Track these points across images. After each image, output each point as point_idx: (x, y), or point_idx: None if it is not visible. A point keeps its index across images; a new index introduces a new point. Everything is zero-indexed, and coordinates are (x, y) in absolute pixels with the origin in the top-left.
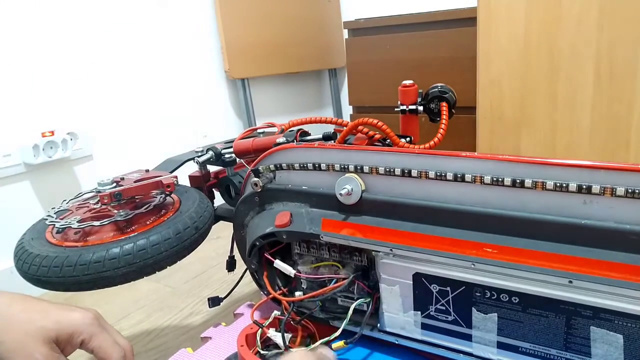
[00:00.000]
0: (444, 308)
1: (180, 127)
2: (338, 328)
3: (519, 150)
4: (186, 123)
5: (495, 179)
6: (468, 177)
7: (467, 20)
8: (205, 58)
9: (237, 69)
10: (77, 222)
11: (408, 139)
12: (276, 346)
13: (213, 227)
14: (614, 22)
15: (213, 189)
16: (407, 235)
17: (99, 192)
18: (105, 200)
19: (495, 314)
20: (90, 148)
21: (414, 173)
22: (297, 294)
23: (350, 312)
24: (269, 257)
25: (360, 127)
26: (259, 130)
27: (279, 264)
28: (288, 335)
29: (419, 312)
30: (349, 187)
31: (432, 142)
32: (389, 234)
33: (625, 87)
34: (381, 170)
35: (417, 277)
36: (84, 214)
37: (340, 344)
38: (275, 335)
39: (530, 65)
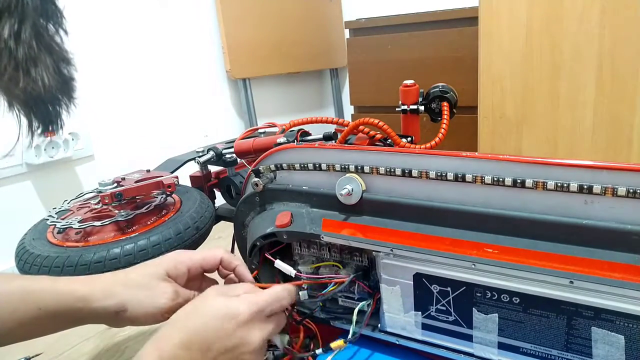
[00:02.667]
0: (444, 308)
1: (181, 127)
2: (339, 328)
3: (520, 150)
4: (187, 123)
5: (496, 179)
6: (469, 177)
7: (468, 19)
8: (206, 58)
9: (239, 69)
10: (78, 222)
11: (409, 138)
12: (276, 346)
13: (214, 227)
14: (616, 22)
15: (214, 189)
16: (407, 235)
17: (100, 192)
18: (106, 201)
19: (496, 314)
20: (91, 148)
21: (415, 173)
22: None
23: (355, 316)
24: (270, 257)
25: (361, 127)
26: (259, 130)
27: (279, 264)
28: (285, 337)
29: (420, 313)
30: (349, 187)
31: (433, 142)
32: (390, 234)
33: (627, 87)
34: (382, 170)
35: (418, 278)
36: (85, 214)
37: (340, 342)
38: (275, 337)
39: (532, 64)
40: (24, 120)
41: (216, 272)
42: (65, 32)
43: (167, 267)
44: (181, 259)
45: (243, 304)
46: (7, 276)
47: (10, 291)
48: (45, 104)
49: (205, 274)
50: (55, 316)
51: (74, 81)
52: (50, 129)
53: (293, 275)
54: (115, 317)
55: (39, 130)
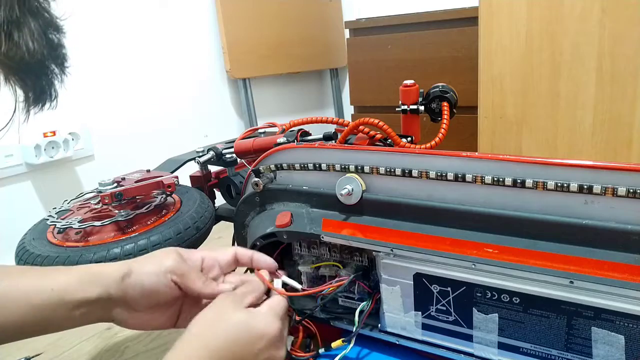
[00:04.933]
0: (444, 308)
1: (181, 127)
2: (339, 328)
3: (520, 150)
4: (187, 123)
5: (496, 179)
6: (469, 177)
7: (468, 19)
8: (206, 58)
9: (239, 69)
10: (78, 222)
11: (409, 138)
12: None
13: (214, 227)
14: (616, 21)
15: (214, 189)
16: (407, 235)
17: (100, 192)
18: (106, 201)
19: (496, 314)
20: (91, 148)
21: (415, 173)
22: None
23: (357, 317)
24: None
25: (361, 127)
26: (259, 130)
27: (285, 279)
28: (290, 338)
29: (420, 313)
30: (349, 187)
31: (433, 142)
32: (390, 234)
33: (628, 86)
34: (382, 170)
35: (418, 278)
36: (85, 214)
37: (338, 342)
38: None
39: (532, 64)
40: (20, 93)
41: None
42: None
43: (177, 249)
44: (195, 251)
45: (271, 324)
46: (21, 268)
47: (22, 280)
48: (34, 73)
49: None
50: (65, 298)
51: (62, 48)
52: (43, 99)
53: (300, 290)
54: (122, 285)
55: (33, 102)
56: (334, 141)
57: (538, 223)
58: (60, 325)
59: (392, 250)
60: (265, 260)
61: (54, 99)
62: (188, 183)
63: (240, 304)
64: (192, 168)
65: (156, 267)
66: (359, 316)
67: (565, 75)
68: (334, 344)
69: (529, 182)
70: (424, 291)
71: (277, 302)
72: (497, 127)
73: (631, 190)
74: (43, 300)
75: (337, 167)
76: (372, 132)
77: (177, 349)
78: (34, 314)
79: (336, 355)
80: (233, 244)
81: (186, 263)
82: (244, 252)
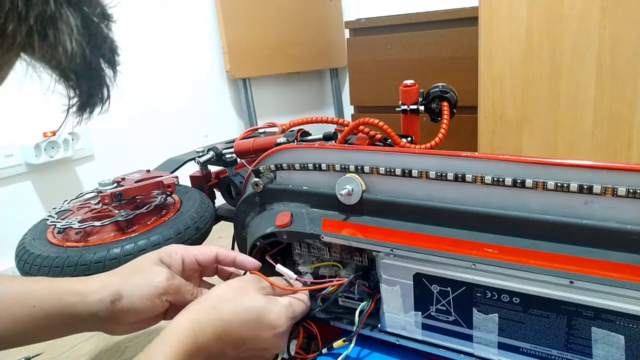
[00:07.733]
0: (444, 308)
1: (181, 128)
2: (339, 328)
3: (520, 149)
4: (187, 123)
5: (496, 179)
6: (469, 177)
7: (468, 19)
8: (206, 58)
9: (239, 69)
10: (78, 222)
11: (409, 138)
12: None
13: (214, 227)
14: (616, 21)
15: (214, 189)
16: (407, 235)
17: (100, 192)
18: (106, 201)
19: (496, 314)
20: (91, 148)
21: (415, 173)
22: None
23: (357, 317)
24: (270, 260)
25: (361, 127)
26: (259, 130)
27: (280, 268)
28: (294, 342)
29: (420, 313)
30: (349, 187)
31: (433, 142)
32: (390, 234)
33: (627, 86)
34: (382, 170)
35: (418, 278)
36: (85, 214)
37: (339, 342)
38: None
39: (532, 64)
40: (72, 94)
41: (216, 276)
42: None
43: (160, 254)
44: (175, 248)
45: (283, 318)
46: (7, 278)
47: (6, 291)
48: (78, 74)
49: (205, 278)
50: (49, 315)
51: (111, 42)
52: (92, 104)
53: (294, 279)
54: (112, 308)
55: (80, 107)
56: (334, 141)
57: (538, 223)
58: (47, 337)
59: (392, 250)
60: (250, 261)
61: (106, 102)
62: (188, 183)
63: (262, 290)
64: (192, 168)
65: (148, 289)
66: (359, 316)
67: (565, 75)
68: (335, 344)
69: (529, 182)
70: (424, 291)
71: (299, 305)
72: (497, 127)
73: (631, 190)
74: (26, 316)
75: (337, 167)
76: (372, 132)
77: (190, 312)
78: (17, 329)
79: (338, 355)
80: (233, 244)
81: (175, 278)
82: (227, 254)
